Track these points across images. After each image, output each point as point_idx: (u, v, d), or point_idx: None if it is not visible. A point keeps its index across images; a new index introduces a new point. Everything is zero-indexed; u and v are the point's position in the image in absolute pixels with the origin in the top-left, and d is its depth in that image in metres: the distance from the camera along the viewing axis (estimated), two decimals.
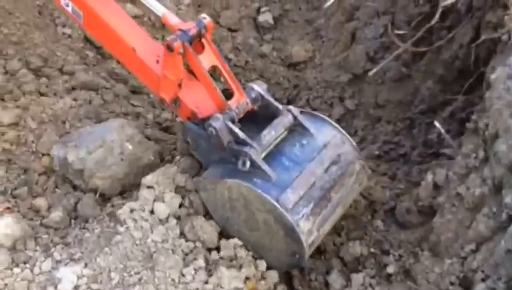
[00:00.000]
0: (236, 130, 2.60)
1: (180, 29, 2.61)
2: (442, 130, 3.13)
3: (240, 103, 2.72)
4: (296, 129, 2.80)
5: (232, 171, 2.60)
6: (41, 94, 3.77)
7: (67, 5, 3.04)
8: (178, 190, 2.94)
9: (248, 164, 2.53)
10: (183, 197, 2.91)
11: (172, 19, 2.75)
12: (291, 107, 2.83)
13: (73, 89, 3.93)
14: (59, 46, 4.30)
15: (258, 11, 5.83)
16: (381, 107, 4.25)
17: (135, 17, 5.01)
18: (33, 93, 3.72)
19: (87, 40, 4.62)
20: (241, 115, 2.73)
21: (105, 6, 2.94)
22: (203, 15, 2.75)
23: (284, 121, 2.75)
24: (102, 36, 3.06)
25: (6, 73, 3.81)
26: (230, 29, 5.62)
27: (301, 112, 2.86)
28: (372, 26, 4.41)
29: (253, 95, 2.78)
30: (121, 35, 2.88)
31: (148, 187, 2.89)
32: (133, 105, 4.12)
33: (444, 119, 3.50)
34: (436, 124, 3.14)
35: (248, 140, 2.57)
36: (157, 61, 2.81)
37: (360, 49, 4.45)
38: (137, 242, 2.69)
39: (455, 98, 3.50)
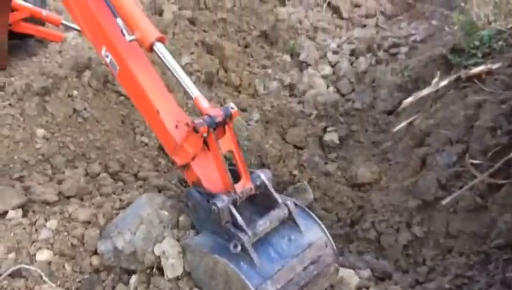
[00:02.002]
0: (237, 215, 2.75)
1: (209, 115, 2.80)
2: None
3: (244, 187, 2.91)
4: (288, 222, 2.95)
5: (222, 247, 2.75)
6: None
7: (107, 56, 3.26)
8: None
9: (239, 248, 2.67)
10: None
11: (204, 103, 2.92)
12: (288, 201, 2.95)
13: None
14: (136, 153, 4.53)
15: (324, 130, 5.99)
16: (453, 237, 4.08)
17: None
18: (109, 195, 3.86)
19: (160, 148, 4.85)
20: (243, 199, 2.90)
21: (141, 67, 3.16)
22: (231, 104, 2.93)
23: (279, 214, 2.91)
24: (132, 92, 3.26)
25: (87, 175, 4.01)
26: (296, 146, 5.76)
27: (296, 205, 3.00)
28: (444, 154, 4.38)
29: (258, 183, 2.95)
30: (149, 96, 3.09)
31: None
32: None
33: None
34: None
35: (244, 227, 2.72)
36: (176, 126, 3.03)
37: (431, 176, 4.39)
38: None
39: None
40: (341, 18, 8.57)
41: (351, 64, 7.03)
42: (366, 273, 3.81)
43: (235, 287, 2.68)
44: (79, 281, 3.23)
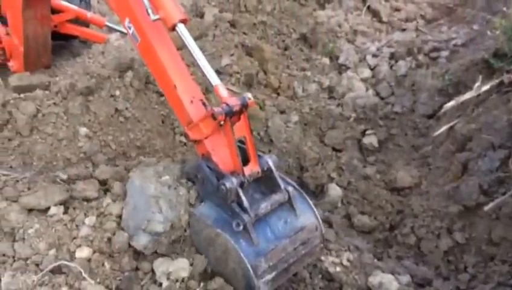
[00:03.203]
0: (243, 198, 3.00)
1: (227, 104, 2.97)
2: None
3: (252, 171, 3.15)
4: (286, 205, 3.24)
5: (225, 222, 3.04)
6: None
7: (130, 28, 3.43)
8: None
9: (241, 227, 2.96)
10: None
11: (223, 92, 3.08)
12: (289, 187, 3.23)
13: None
14: (176, 153, 4.57)
15: (363, 133, 5.93)
16: (496, 244, 3.98)
17: None
18: None
19: None
20: (250, 181, 3.14)
21: (162, 44, 3.36)
22: (248, 94, 3.08)
23: (280, 198, 3.18)
24: (152, 64, 3.47)
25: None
26: (334, 149, 5.72)
27: (296, 190, 3.29)
28: (486, 159, 4.29)
29: (265, 168, 3.20)
30: (168, 71, 3.31)
31: None
32: None
33: None
34: None
35: (248, 209, 2.99)
36: (191, 102, 3.28)
37: (473, 181, 4.29)
38: None
39: None
40: (381, 22, 8.48)
41: (391, 67, 6.93)
42: (406, 279, 3.76)
43: (232, 260, 3.00)
44: (119, 279, 3.29)
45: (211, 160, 3.17)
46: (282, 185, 3.21)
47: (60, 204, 3.58)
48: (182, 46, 3.49)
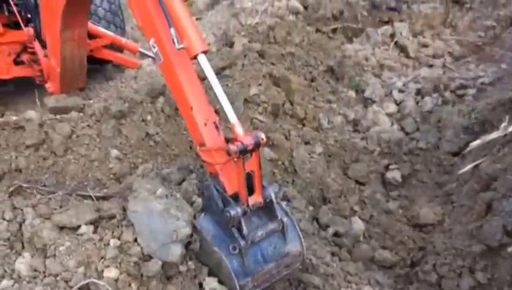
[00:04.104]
0: (244, 227, 3.32)
1: (242, 143, 3.17)
2: None
3: (256, 201, 3.39)
4: (279, 233, 3.54)
5: (222, 242, 3.38)
6: None
7: (154, 47, 3.63)
8: None
9: (237, 251, 3.31)
10: None
11: (239, 130, 3.26)
12: (285, 219, 3.51)
13: None
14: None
15: (386, 167, 5.96)
16: None
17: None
18: None
19: None
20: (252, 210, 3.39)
21: (183, 67, 3.56)
22: (262, 135, 3.25)
23: (275, 227, 3.50)
24: (172, 84, 3.69)
25: None
26: (357, 182, 5.76)
27: (290, 220, 3.58)
28: (511, 200, 4.28)
29: (267, 200, 3.45)
30: (186, 93, 3.55)
31: None
32: None
33: None
34: None
35: (246, 237, 3.31)
36: (205, 124, 3.53)
37: (497, 221, 4.27)
38: None
39: None
40: (408, 57, 8.57)
41: (417, 103, 6.99)
42: None
43: (223, 275, 3.39)
44: None
45: (218, 179, 3.47)
46: (279, 216, 3.51)
47: (90, 223, 3.69)
48: (204, 77, 3.66)
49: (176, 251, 3.40)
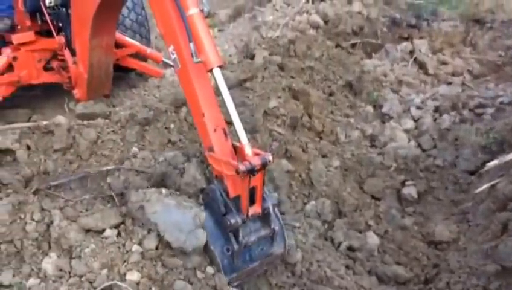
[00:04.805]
0: (241, 235, 3.66)
1: (250, 163, 3.43)
2: None
3: (255, 211, 3.71)
4: (268, 238, 3.91)
5: (217, 240, 3.72)
6: None
7: (173, 54, 3.86)
8: None
9: (230, 253, 3.70)
10: None
11: (248, 151, 3.58)
12: (277, 227, 3.86)
13: None
14: None
15: (403, 183, 6.00)
16: None
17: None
18: None
19: None
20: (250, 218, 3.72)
21: (199, 77, 3.82)
22: (270, 157, 3.52)
23: (267, 233, 3.86)
24: (187, 90, 3.95)
25: None
26: (373, 197, 5.81)
27: (281, 227, 3.97)
28: None
29: (265, 211, 3.77)
30: (199, 99, 3.82)
31: None
32: None
33: None
34: None
35: (241, 243, 3.65)
36: (215, 130, 3.80)
37: None
38: None
39: None
40: (427, 74, 8.63)
41: (435, 120, 7.04)
42: None
43: (214, 265, 3.72)
44: None
45: (223, 182, 3.72)
46: (272, 225, 3.85)
47: (115, 227, 3.82)
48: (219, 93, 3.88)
49: (202, 235, 3.65)
